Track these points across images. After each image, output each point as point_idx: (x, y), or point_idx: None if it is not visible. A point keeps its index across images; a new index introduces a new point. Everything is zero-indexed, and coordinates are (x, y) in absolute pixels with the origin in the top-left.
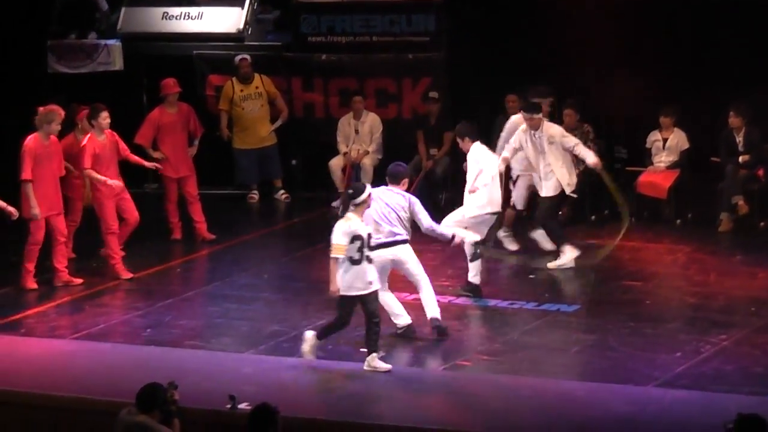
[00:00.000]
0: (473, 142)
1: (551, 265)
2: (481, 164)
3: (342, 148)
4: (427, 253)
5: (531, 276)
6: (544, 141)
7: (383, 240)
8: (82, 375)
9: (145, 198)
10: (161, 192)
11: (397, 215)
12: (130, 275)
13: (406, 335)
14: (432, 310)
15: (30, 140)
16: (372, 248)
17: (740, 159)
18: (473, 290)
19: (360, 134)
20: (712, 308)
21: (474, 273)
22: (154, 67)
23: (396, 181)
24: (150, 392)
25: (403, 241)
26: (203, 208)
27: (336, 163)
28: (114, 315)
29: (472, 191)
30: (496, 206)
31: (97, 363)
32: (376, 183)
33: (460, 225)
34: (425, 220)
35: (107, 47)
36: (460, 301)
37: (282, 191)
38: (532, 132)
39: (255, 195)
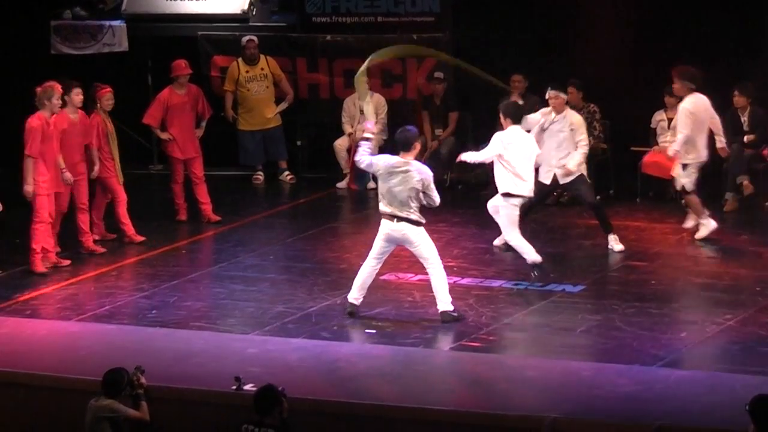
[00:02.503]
0: (513, 124)
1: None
2: (502, 145)
3: (347, 128)
4: (432, 234)
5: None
6: (566, 126)
7: (397, 212)
8: (88, 356)
9: (151, 179)
10: (167, 173)
11: (409, 195)
12: (44, 269)
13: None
14: (442, 302)
15: (34, 119)
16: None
17: (745, 139)
18: (539, 268)
19: (365, 115)
20: (718, 288)
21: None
22: (159, 48)
23: (407, 147)
24: (114, 377)
25: (416, 222)
26: (208, 190)
27: (341, 144)
28: (119, 296)
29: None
30: (522, 190)
31: (103, 344)
32: None
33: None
34: (435, 197)
35: (112, 28)
36: (465, 281)
37: (287, 172)
38: (554, 117)
39: (260, 176)
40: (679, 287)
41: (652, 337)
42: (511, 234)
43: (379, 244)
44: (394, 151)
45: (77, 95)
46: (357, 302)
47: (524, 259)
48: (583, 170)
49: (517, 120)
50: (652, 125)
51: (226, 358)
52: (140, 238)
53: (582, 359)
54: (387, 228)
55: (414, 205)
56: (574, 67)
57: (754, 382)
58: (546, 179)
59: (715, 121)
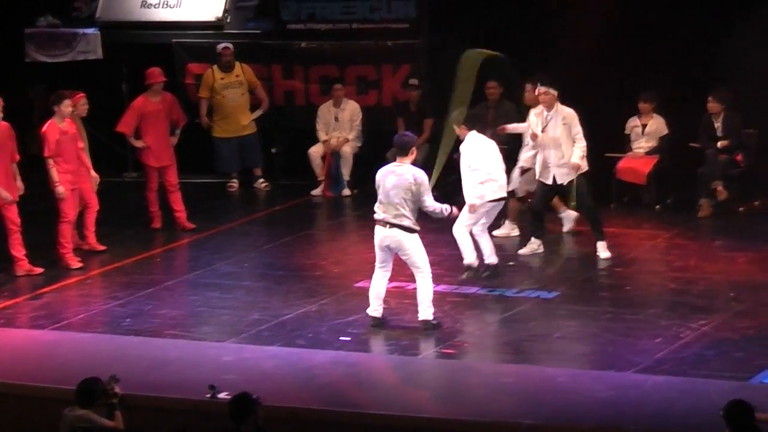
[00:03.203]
0: (470, 130)
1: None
2: (474, 154)
3: (322, 135)
4: None
5: (510, 263)
6: (558, 121)
7: (390, 219)
8: (63, 365)
9: (125, 187)
10: (141, 181)
11: (403, 197)
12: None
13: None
14: (425, 311)
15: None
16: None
17: (719, 144)
18: (471, 272)
19: (340, 122)
20: (693, 293)
21: (489, 253)
22: (134, 55)
23: (404, 152)
24: (88, 387)
25: (410, 230)
26: (183, 197)
27: (316, 151)
28: (94, 305)
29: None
30: (504, 192)
31: (78, 353)
32: (355, 171)
33: (472, 219)
34: (428, 201)
35: (86, 36)
36: (441, 288)
37: (262, 180)
38: (545, 113)
39: (235, 183)
40: (654, 293)
41: (627, 342)
42: (461, 229)
43: (378, 253)
44: (371, 157)
45: (67, 107)
46: (378, 314)
47: (504, 266)
48: (586, 166)
49: (473, 125)
50: (627, 131)
51: (202, 366)
52: (101, 247)
53: (557, 365)
54: (380, 234)
55: (408, 210)
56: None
57: (728, 387)
58: (547, 179)
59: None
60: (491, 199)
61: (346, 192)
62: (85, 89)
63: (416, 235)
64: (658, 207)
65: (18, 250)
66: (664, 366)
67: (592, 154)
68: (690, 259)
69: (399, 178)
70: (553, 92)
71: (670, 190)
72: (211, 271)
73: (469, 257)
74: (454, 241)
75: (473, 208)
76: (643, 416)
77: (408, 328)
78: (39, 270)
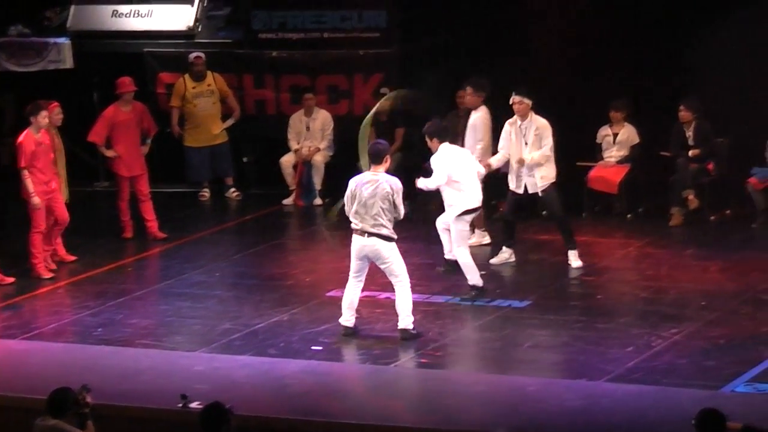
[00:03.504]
0: (441, 142)
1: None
2: (447, 166)
3: (293, 145)
4: None
5: (482, 273)
6: (531, 132)
7: (368, 228)
8: (34, 374)
9: (96, 196)
10: (112, 190)
11: (381, 206)
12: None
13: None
14: (403, 320)
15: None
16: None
17: (690, 153)
18: (479, 292)
19: (311, 131)
20: (664, 302)
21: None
22: (105, 65)
23: (378, 160)
24: (59, 397)
25: (388, 238)
26: (154, 207)
27: (287, 160)
28: (65, 314)
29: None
30: (478, 202)
31: (49, 363)
32: (327, 180)
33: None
34: (401, 209)
35: (57, 45)
36: (412, 297)
37: (233, 189)
38: (519, 123)
39: (206, 193)
40: (625, 301)
41: (599, 351)
42: (461, 251)
43: (354, 262)
44: (343, 167)
45: (44, 118)
46: (350, 323)
47: (481, 276)
48: (554, 176)
49: (444, 137)
50: (598, 140)
51: (173, 376)
52: (71, 258)
53: (529, 374)
54: (358, 244)
55: (385, 219)
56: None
57: (700, 396)
58: (518, 188)
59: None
60: (467, 209)
61: (318, 201)
62: (56, 99)
63: (394, 244)
64: (629, 216)
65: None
66: (635, 375)
67: (563, 163)
68: (661, 268)
69: (376, 187)
70: (528, 102)
71: (642, 199)
72: (183, 281)
73: (475, 278)
74: (426, 250)
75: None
76: (614, 425)
77: (380, 338)
78: (10, 279)
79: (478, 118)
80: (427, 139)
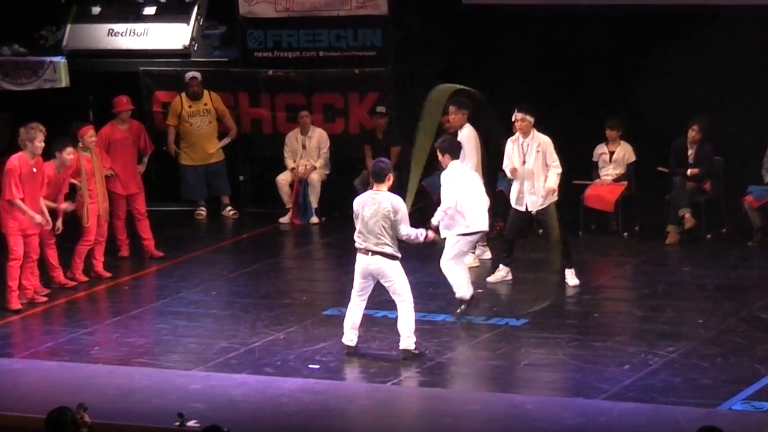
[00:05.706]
0: (453, 159)
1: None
2: (455, 184)
3: (289, 163)
4: None
5: (479, 290)
6: (533, 148)
7: (372, 247)
8: (31, 394)
9: None
10: (109, 209)
11: (383, 225)
12: (20, 306)
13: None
14: (406, 340)
15: (14, 158)
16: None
17: (689, 171)
18: (468, 306)
19: (307, 149)
20: (660, 320)
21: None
22: (101, 84)
23: (380, 179)
24: (58, 416)
25: (391, 257)
26: (151, 225)
27: (283, 179)
28: (61, 333)
29: (446, 210)
30: (480, 225)
31: (45, 382)
32: (323, 198)
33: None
34: (404, 229)
35: (53, 64)
36: None
37: (229, 208)
38: (521, 140)
39: (202, 211)
40: (621, 320)
41: (596, 369)
42: (449, 264)
43: (357, 281)
44: (339, 185)
45: (69, 154)
46: (352, 343)
47: (478, 294)
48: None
49: (456, 155)
50: (594, 158)
51: (169, 395)
52: (108, 274)
53: (526, 392)
54: (362, 263)
55: (388, 237)
56: (514, 100)
57: (697, 414)
58: (520, 206)
59: None
60: (473, 231)
61: (314, 220)
62: (51, 118)
63: (398, 263)
64: (625, 234)
65: (28, 279)
66: (632, 393)
67: (560, 182)
68: (658, 286)
69: (377, 206)
70: (530, 119)
71: (638, 217)
72: (179, 299)
73: (461, 290)
74: (423, 268)
75: (439, 240)
76: None
77: (377, 356)
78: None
79: (464, 136)
80: (439, 154)
